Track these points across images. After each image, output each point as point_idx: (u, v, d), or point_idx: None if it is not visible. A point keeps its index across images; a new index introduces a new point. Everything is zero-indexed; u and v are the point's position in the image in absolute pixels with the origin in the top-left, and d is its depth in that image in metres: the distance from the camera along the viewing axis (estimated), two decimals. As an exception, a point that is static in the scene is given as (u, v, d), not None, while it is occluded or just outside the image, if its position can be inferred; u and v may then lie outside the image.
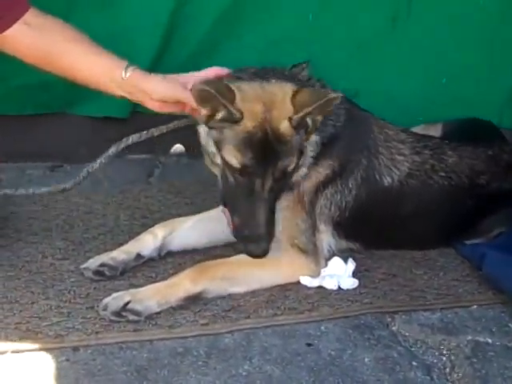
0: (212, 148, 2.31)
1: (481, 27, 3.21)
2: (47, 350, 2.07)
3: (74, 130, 3.38)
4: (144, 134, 2.61)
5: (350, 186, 2.51)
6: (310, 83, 2.47)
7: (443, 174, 2.59)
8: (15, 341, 2.09)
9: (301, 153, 2.31)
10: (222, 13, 3.26)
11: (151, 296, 2.21)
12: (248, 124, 2.22)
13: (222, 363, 2.05)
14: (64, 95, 3.29)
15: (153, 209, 2.94)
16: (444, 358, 2.10)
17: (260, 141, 2.21)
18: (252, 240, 2.24)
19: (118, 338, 2.13)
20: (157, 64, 3.29)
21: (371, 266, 2.53)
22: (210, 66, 3.32)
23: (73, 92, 3.30)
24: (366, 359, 2.08)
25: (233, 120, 2.22)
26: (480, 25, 3.21)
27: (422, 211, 2.59)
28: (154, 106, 2.48)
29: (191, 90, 2.32)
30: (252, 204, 2.23)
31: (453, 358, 2.10)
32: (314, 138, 2.41)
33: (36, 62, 2.57)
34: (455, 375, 2.04)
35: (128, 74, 2.45)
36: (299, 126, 2.25)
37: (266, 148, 2.22)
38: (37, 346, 2.08)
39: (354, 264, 2.45)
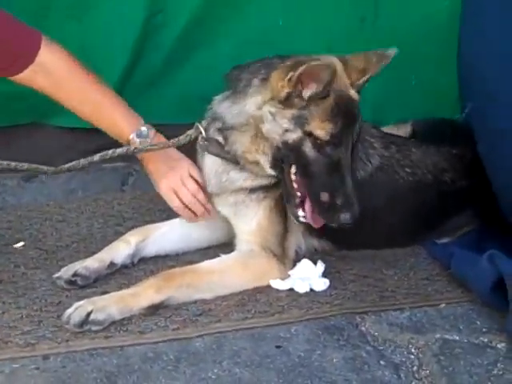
0: (285, 125, 2.29)
1: (447, 27, 3.23)
2: (17, 358, 2.08)
3: (50, 140, 3.39)
4: (131, 150, 2.58)
5: None
6: None
7: (409, 169, 2.62)
8: (-15, 350, 2.11)
9: None
10: (194, 21, 3.28)
11: (113, 304, 2.22)
12: (331, 97, 2.29)
13: (192, 367, 2.06)
14: (39, 106, 3.28)
15: (126, 216, 2.95)
16: (412, 357, 2.12)
17: (345, 110, 2.30)
18: (344, 208, 2.27)
19: (89, 345, 2.14)
20: (130, 73, 3.32)
21: (342, 268, 2.55)
22: (182, 73, 3.37)
23: (48, 102, 3.30)
24: (335, 360, 2.10)
25: (323, 96, 2.27)
26: (447, 25, 3.23)
27: (390, 206, 2.61)
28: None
29: None
30: (340, 172, 2.28)
31: (421, 356, 2.12)
32: None
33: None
34: (423, 373, 2.06)
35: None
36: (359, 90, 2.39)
37: (349, 115, 2.31)
38: (7, 355, 2.08)
39: (324, 265, 2.47)
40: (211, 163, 2.50)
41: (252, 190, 2.45)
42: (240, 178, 2.45)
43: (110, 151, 2.57)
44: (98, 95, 2.58)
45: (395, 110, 3.23)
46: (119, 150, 2.55)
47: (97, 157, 2.58)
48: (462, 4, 2.62)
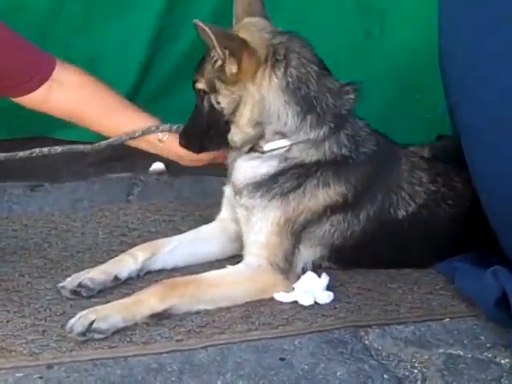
0: None
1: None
2: (21, 368, 2.08)
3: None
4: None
5: (361, 217, 2.49)
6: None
7: (451, 201, 2.58)
8: (-11, 359, 2.11)
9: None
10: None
11: (116, 312, 2.22)
12: None
13: (195, 379, 2.06)
14: (39, 120, 3.25)
15: (131, 226, 2.95)
16: (416, 371, 2.12)
17: None
18: None
19: (93, 355, 2.14)
20: (139, 86, 3.33)
21: (346, 281, 2.54)
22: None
23: (48, 117, 3.29)
24: (339, 373, 2.10)
25: None
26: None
27: (425, 240, 2.58)
28: (184, 164, 2.71)
29: None
30: None
31: (424, 370, 2.12)
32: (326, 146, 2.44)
33: (64, 118, 2.72)
34: (426, 387, 2.06)
35: (166, 138, 2.63)
36: None
37: None
38: (11, 364, 2.09)
39: (328, 278, 2.46)
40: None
41: (267, 191, 2.45)
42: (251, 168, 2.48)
43: (153, 127, 2.65)
44: (115, 104, 2.66)
45: (400, 124, 3.23)
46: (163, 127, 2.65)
47: (139, 132, 2.64)
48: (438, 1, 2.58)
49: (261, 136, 2.45)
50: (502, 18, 2.23)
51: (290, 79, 2.41)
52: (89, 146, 2.71)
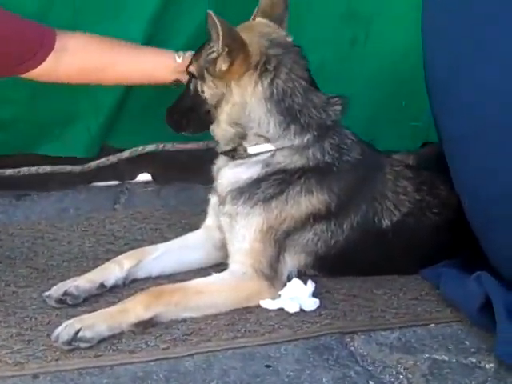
0: None
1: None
2: (6, 378, 2.07)
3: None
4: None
5: (344, 227, 2.50)
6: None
7: (436, 210, 2.59)
8: (-26, 369, 2.10)
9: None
10: (194, 39, 3.29)
11: (102, 321, 2.22)
12: None
13: (182, 387, 2.07)
14: (23, 136, 3.23)
15: (118, 235, 2.95)
16: (401, 377, 2.13)
17: None
18: None
19: (79, 364, 2.14)
20: (129, 91, 3.31)
21: (332, 287, 2.55)
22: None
23: (33, 132, 3.25)
24: (324, 379, 2.10)
25: None
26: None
27: (409, 249, 2.58)
28: None
29: None
30: None
31: (409, 376, 2.13)
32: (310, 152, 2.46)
33: (82, 82, 2.74)
34: (411, 393, 2.07)
35: (181, 58, 2.67)
36: None
37: None
38: (-4, 374, 2.09)
39: (314, 285, 2.47)
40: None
41: (250, 198, 2.45)
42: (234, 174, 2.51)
43: (140, 147, 2.73)
44: (134, 49, 2.72)
45: (386, 131, 3.24)
46: (148, 147, 2.76)
47: (126, 153, 2.71)
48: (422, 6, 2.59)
49: (242, 137, 2.49)
50: (490, 19, 2.24)
51: (274, 90, 2.44)
52: (78, 167, 2.71)
